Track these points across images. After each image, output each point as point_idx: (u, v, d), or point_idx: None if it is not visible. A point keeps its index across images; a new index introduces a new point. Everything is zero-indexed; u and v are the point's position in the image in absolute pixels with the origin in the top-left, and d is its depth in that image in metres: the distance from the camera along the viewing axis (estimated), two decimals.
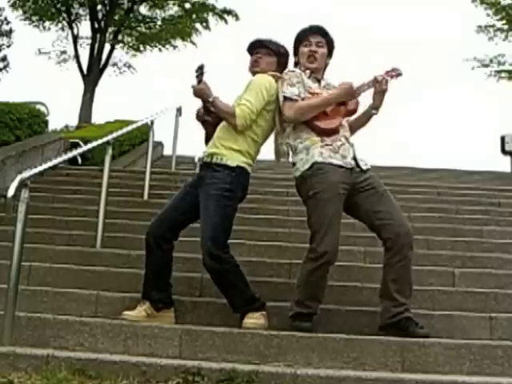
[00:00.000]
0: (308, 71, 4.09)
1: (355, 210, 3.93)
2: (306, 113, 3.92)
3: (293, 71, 4.09)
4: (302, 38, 4.15)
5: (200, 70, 3.97)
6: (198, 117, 4.24)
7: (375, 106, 4.06)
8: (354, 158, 3.91)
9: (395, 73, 4.01)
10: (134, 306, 3.97)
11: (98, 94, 20.40)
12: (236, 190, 3.97)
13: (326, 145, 3.87)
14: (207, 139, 4.24)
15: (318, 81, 4.13)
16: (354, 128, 4.13)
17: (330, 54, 4.19)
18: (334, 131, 3.92)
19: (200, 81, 3.97)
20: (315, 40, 4.12)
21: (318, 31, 4.15)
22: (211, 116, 4.16)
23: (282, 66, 4.23)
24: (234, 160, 3.97)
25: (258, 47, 4.23)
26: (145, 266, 4.05)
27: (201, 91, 4.00)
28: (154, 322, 3.77)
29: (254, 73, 4.21)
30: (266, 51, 4.21)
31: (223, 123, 4.09)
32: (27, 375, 3.15)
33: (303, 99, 3.96)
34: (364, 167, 3.93)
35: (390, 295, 3.75)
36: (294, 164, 4.00)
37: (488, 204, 7.49)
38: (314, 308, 3.85)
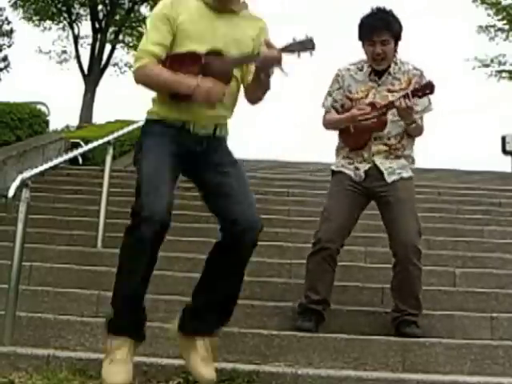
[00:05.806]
0: (369, 68, 3.89)
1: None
2: (333, 127, 4.00)
3: (339, 73, 3.96)
4: (364, 36, 3.84)
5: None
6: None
7: (406, 123, 3.83)
8: (379, 172, 3.83)
9: (421, 93, 3.73)
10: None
11: (99, 93, 20.53)
12: None
13: (348, 157, 3.94)
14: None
15: (380, 74, 3.88)
16: (411, 134, 3.93)
17: (397, 42, 3.86)
18: (360, 148, 3.91)
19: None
20: (380, 39, 3.78)
21: (383, 27, 3.78)
22: None
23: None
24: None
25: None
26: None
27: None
28: (155, 322, 3.76)
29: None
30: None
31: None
32: (28, 375, 3.14)
33: (343, 105, 3.93)
34: (389, 179, 3.83)
35: (393, 299, 3.83)
36: None
37: (489, 204, 7.49)
38: (315, 301, 3.78)
